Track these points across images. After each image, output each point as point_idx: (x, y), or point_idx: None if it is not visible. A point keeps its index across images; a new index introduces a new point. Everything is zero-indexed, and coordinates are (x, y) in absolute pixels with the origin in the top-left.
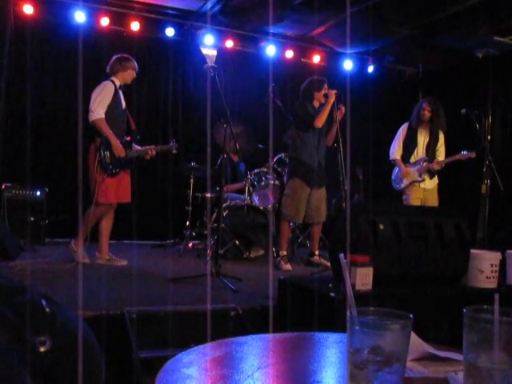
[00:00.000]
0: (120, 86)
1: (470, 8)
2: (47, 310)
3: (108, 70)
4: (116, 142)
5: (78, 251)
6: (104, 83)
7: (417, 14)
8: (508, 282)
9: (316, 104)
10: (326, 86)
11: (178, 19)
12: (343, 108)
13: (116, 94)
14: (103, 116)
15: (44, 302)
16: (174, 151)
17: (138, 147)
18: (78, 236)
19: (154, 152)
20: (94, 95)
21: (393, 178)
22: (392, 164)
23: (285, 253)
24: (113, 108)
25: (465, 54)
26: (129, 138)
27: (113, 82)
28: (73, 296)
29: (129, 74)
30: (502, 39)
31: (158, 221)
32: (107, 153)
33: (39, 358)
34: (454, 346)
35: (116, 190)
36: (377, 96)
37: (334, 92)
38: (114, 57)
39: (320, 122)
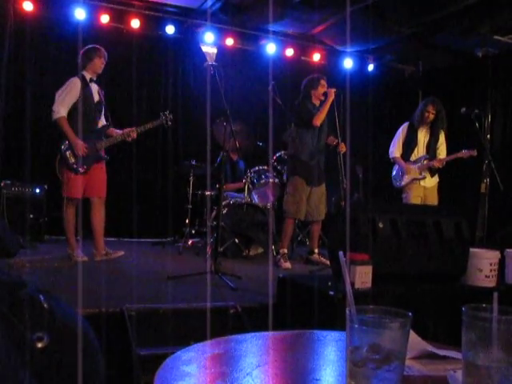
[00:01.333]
0: (91, 79)
1: (470, 7)
2: (45, 305)
3: (79, 66)
4: (75, 141)
5: (74, 253)
6: (69, 80)
7: (417, 12)
8: (507, 281)
9: (316, 102)
10: (324, 83)
11: (179, 17)
12: (332, 91)
13: (85, 88)
14: (64, 115)
15: (42, 298)
16: (169, 123)
17: (118, 131)
18: (67, 240)
19: (134, 134)
20: (56, 95)
21: (393, 175)
22: (391, 162)
23: (286, 251)
24: (82, 103)
25: (465, 52)
26: (100, 127)
27: (81, 77)
28: (72, 293)
29: (96, 64)
30: (501, 38)
31: (157, 218)
32: (69, 152)
33: (36, 354)
34: (452, 345)
35: (84, 184)
36: (377, 94)
37: (333, 90)
38: (81, 51)
39: (318, 120)
